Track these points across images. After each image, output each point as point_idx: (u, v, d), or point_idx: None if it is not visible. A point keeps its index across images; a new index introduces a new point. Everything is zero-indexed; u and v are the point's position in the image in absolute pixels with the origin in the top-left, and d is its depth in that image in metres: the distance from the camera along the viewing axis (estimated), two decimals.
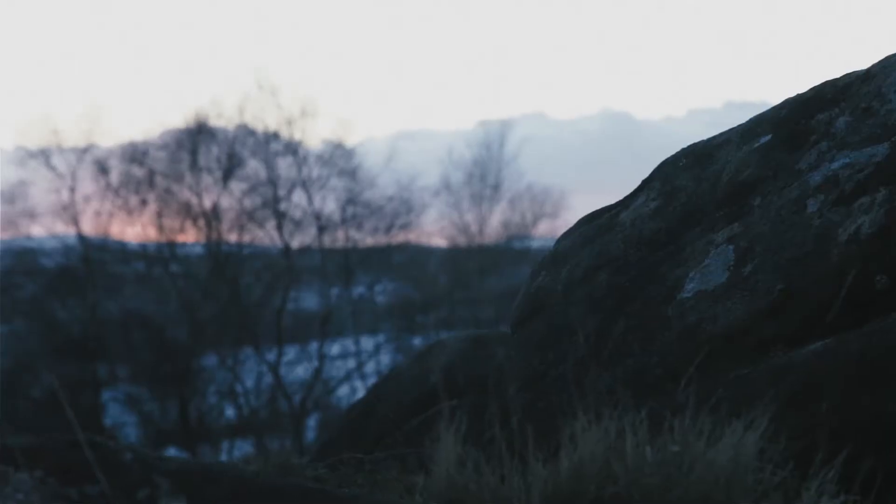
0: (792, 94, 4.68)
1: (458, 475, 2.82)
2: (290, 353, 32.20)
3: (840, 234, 4.09)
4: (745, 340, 4.17)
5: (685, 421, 2.92)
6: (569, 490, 2.81)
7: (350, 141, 33.89)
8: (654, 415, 2.97)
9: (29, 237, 31.86)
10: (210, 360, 31.85)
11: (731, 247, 4.37)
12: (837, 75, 4.63)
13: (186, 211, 31.88)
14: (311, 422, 32.19)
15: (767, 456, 2.93)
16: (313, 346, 32.16)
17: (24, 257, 31.82)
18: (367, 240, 32.93)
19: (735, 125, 4.86)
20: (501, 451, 2.92)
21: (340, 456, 5.65)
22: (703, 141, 4.89)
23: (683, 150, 4.93)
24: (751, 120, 4.78)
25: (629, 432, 2.90)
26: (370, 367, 32.68)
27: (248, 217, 32.20)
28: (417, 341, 34.26)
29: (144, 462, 2.53)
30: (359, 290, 33.22)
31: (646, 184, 4.96)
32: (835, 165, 4.27)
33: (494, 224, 36.50)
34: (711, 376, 4.19)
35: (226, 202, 32.11)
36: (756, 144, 4.59)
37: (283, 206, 32.39)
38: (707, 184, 4.66)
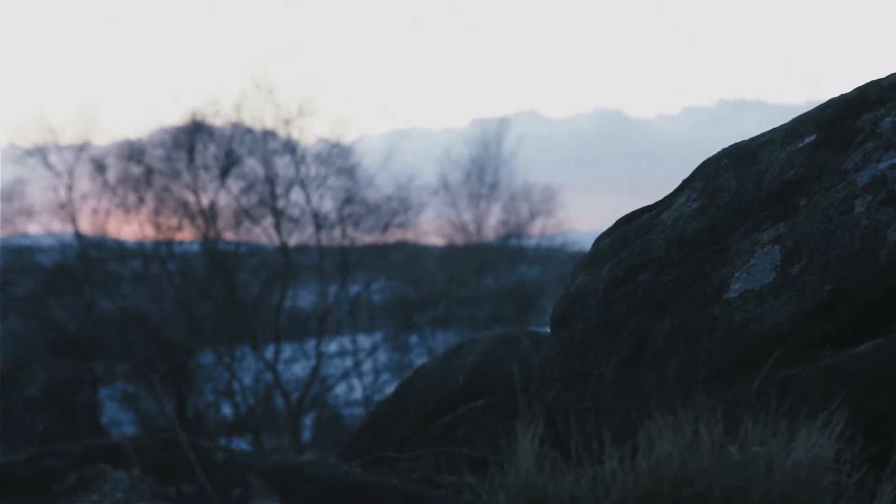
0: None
1: (536, 475, 2.83)
2: (287, 350, 32.21)
3: (889, 234, 4.11)
4: (793, 341, 4.19)
5: (759, 421, 2.94)
6: (647, 490, 2.82)
7: (347, 140, 33.86)
8: (728, 415, 2.99)
9: (26, 235, 31.84)
10: (207, 357, 31.85)
11: (777, 247, 4.39)
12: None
13: (184, 209, 31.87)
14: (307, 420, 32.21)
15: (842, 457, 2.95)
16: (310, 344, 32.18)
17: (21, 255, 31.80)
18: (364, 238, 32.97)
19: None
20: (578, 451, 2.94)
21: (374, 454, 5.67)
22: (744, 141, 4.90)
23: (724, 149, 4.95)
24: (794, 120, 4.79)
25: (704, 432, 2.91)
26: (367, 365, 32.70)
27: (245, 215, 32.20)
28: (414, 340, 34.31)
29: (237, 461, 2.54)
30: (356, 288, 33.22)
31: (686, 183, 4.98)
32: (882, 166, 4.29)
33: (492, 222, 36.55)
34: (757, 377, 4.21)
35: (223, 200, 32.12)
36: (800, 144, 4.61)
37: (280, 204, 32.40)
38: (750, 184, 4.68)
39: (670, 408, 4.41)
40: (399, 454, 5.95)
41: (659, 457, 2.85)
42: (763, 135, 4.87)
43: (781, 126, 4.83)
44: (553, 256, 38.40)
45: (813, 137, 4.60)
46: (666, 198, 5.05)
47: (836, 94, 4.70)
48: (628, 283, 4.81)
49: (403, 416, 6.66)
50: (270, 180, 32.37)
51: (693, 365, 4.38)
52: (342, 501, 2.48)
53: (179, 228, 31.91)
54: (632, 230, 5.01)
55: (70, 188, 31.63)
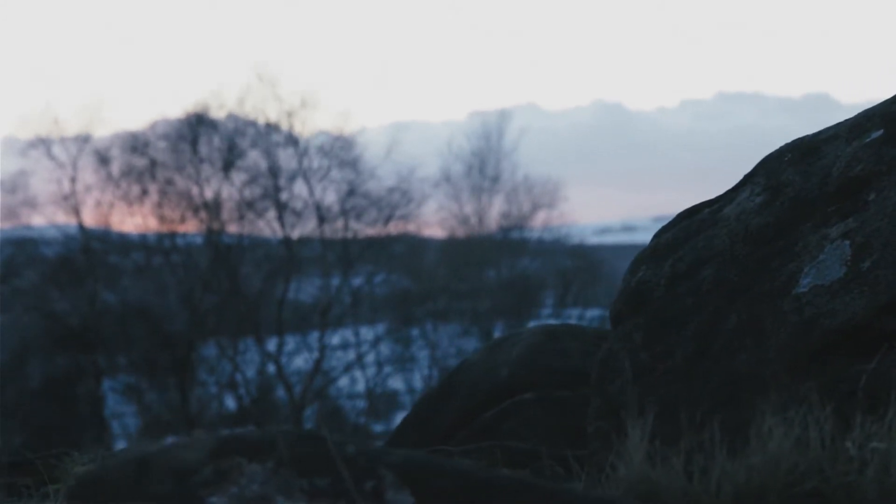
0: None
1: (649, 470, 2.84)
2: (290, 343, 32.22)
3: None
4: (866, 336, 4.20)
5: (869, 418, 2.95)
6: (759, 486, 2.83)
7: (348, 132, 33.84)
8: (839, 411, 3.00)
9: (29, 227, 31.83)
10: (210, 350, 31.86)
11: (846, 242, 4.39)
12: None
13: (187, 201, 31.86)
14: (307, 412, 32.22)
15: None
16: (312, 336, 32.19)
17: (25, 247, 31.78)
18: (366, 231, 32.97)
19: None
20: (690, 446, 2.94)
21: (425, 448, 5.66)
22: (808, 136, 4.91)
23: (787, 144, 4.95)
24: (859, 115, 4.80)
25: (814, 428, 2.92)
26: (370, 357, 32.73)
27: (248, 207, 32.19)
28: (416, 333, 34.33)
29: (368, 455, 2.55)
30: (358, 281, 33.23)
31: (748, 178, 4.99)
32: None
33: (494, 215, 36.58)
34: (830, 372, 4.22)
35: (226, 193, 32.12)
36: (867, 139, 4.61)
37: (283, 196, 32.41)
38: (816, 179, 4.69)
39: (739, 403, 4.43)
40: (451, 448, 5.96)
41: (772, 453, 2.85)
42: (826, 129, 4.88)
43: (846, 121, 4.83)
44: (555, 249, 38.44)
45: (880, 132, 4.60)
46: (727, 192, 5.06)
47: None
48: (692, 278, 4.82)
49: (447, 409, 6.65)
50: (273, 173, 32.37)
51: (763, 360, 4.39)
52: (475, 496, 2.48)
53: (183, 221, 31.90)
54: (693, 224, 5.02)
55: (73, 180, 31.61)
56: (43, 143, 31.35)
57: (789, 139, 4.98)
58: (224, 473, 2.44)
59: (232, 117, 32.73)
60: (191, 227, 32.23)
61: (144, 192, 31.87)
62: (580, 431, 5.96)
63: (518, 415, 6.34)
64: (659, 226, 5.29)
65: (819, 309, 4.33)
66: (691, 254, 4.89)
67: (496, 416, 6.41)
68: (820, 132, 4.88)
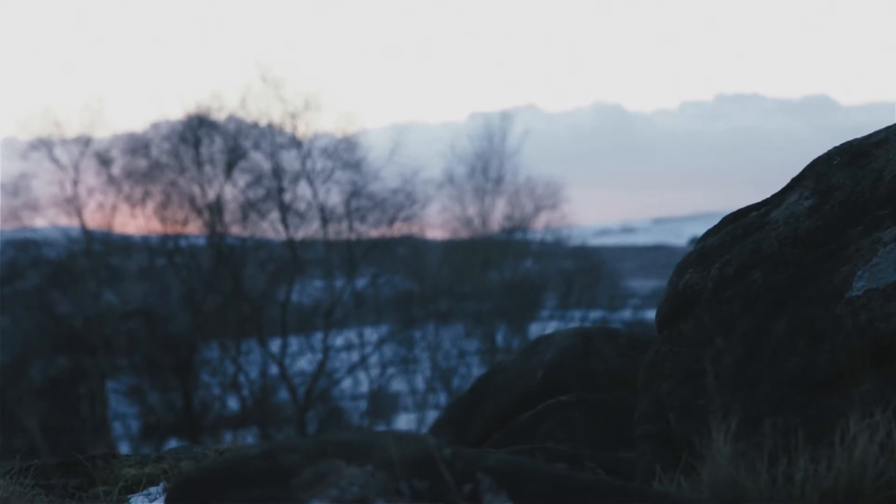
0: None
1: (735, 473, 2.82)
2: (293, 344, 32.19)
3: None
4: None
5: None
6: (846, 491, 2.81)
7: (350, 134, 33.78)
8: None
9: (31, 229, 31.76)
10: (213, 351, 31.83)
11: None
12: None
13: (190, 203, 31.81)
14: (309, 414, 32.18)
15: None
16: (316, 337, 32.17)
17: (27, 249, 31.72)
18: (370, 232, 32.94)
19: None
20: (776, 449, 2.93)
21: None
22: (858, 139, 4.90)
23: (836, 148, 4.94)
24: None
25: None
26: (374, 359, 32.71)
27: (251, 209, 32.15)
28: (418, 335, 34.30)
29: (464, 459, 2.54)
30: (362, 282, 33.21)
31: (796, 182, 4.97)
32: None
33: (497, 217, 36.56)
34: (885, 376, 4.21)
35: (229, 194, 32.08)
36: None
37: (286, 198, 32.37)
38: (867, 182, 4.67)
39: (792, 407, 4.41)
40: (488, 450, 5.94)
41: (858, 457, 2.84)
42: (877, 133, 4.86)
43: None
44: (556, 251, 38.44)
45: None
46: (774, 196, 5.04)
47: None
48: (740, 281, 4.80)
49: (481, 411, 6.64)
50: (277, 174, 32.34)
51: (816, 363, 4.37)
52: (570, 499, 2.47)
53: (185, 222, 31.86)
54: (740, 228, 5.00)
55: (75, 182, 31.56)
56: (44, 145, 31.31)
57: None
58: (323, 476, 2.42)
59: (234, 119, 32.71)
60: (193, 228, 32.20)
61: (147, 194, 31.82)
62: (618, 433, 5.95)
63: (554, 417, 6.33)
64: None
65: (873, 313, 4.31)
66: (739, 257, 4.87)
67: (532, 418, 6.40)
68: (870, 135, 4.87)
